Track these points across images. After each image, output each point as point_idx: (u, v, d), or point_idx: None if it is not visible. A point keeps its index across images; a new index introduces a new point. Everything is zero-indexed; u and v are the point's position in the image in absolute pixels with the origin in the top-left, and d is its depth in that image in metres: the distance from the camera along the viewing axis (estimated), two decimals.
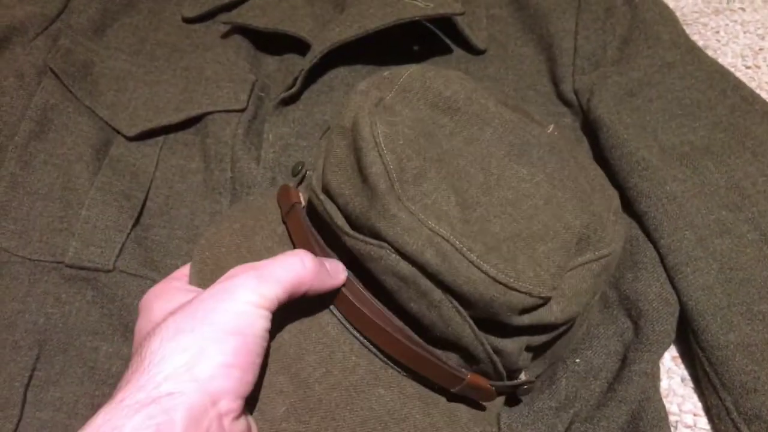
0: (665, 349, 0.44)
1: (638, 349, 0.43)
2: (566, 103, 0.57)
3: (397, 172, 0.32)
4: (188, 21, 0.60)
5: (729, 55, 0.63)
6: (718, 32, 0.66)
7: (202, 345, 0.28)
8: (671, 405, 0.44)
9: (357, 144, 0.33)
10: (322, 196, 0.35)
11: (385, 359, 0.34)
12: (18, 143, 0.49)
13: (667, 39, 0.57)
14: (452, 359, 0.34)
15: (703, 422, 0.44)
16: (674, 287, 0.45)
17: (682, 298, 0.45)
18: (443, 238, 0.30)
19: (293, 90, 0.53)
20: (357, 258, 0.33)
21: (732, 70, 0.57)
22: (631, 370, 0.42)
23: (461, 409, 0.36)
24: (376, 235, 0.32)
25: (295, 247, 0.36)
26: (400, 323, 0.34)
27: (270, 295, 0.30)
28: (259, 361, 0.30)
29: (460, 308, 0.32)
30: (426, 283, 0.31)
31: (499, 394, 0.37)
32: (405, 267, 0.31)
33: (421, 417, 0.34)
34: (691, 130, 0.52)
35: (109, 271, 0.46)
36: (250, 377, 0.29)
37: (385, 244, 0.31)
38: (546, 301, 0.32)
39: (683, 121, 0.52)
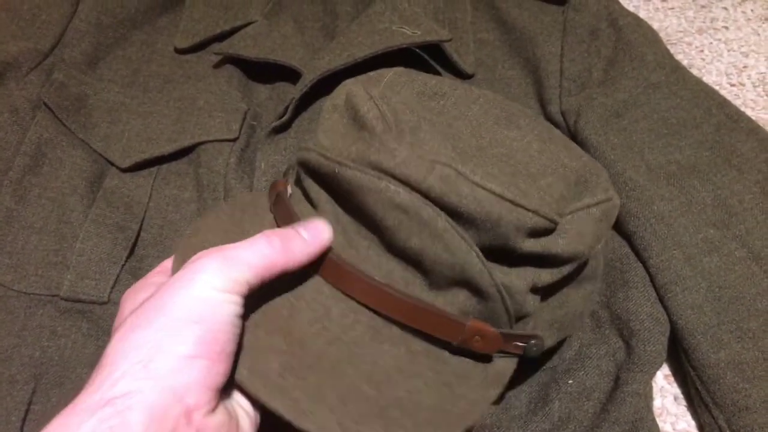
0: (657, 368, 0.44)
1: (631, 369, 0.44)
2: (554, 124, 0.57)
3: (392, 119, 0.33)
4: (180, 52, 0.60)
5: (713, 74, 0.65)
6: (702, 51, 0.67)
7: (159, 338, 0.26)
8: (665, 424, 0.44)
9: (352, 102, 0.34)
10: (314, 148, 0.35)
11: (384, 317, 0.33)
12: (13, 178, 0.50)
13: (651, 60, 0.58)
14: (459, 299, 0.33)
15: None
16: (664, 306, 0.46)
17: (672, 317, 0.45)
18: (445, 164, 0.30)
19: (284, 119, 0.54)
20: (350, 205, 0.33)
21: (717, 88, 0.58)
22: (624, 391, 0.43)
23: (472, 368, 0.35)
24: (376, 168, 0.31)
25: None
26: (395, 274, 0.33)
27: (238, 277, 0.28)
28: (230, 348, 0.28)
29: (465, 235, 0.31)
30: (428, 212, 0.31)
31: (507, 344, 0.35)
32: (406, 197, 0.31)
33: (432, 374, 0.33)
34: (677, 149, 0.53)
35: (104, 303, 0.46)
36: (221, 367, 0.27)
37: (385, 176, 0.31)
38: (552, 225, 0.32)
39: (669, 140, 0.53)
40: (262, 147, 0.54)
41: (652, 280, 0.47)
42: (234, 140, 0.53)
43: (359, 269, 0.33)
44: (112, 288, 0.47)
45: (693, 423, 0.45)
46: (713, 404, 0.42)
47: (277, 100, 0.58)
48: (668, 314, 0.46)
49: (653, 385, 0.45)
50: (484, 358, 0.35)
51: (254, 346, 0.30)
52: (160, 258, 0.49)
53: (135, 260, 0.49)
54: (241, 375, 0.29)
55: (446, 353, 0.34)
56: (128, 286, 0.47)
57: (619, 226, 0.50)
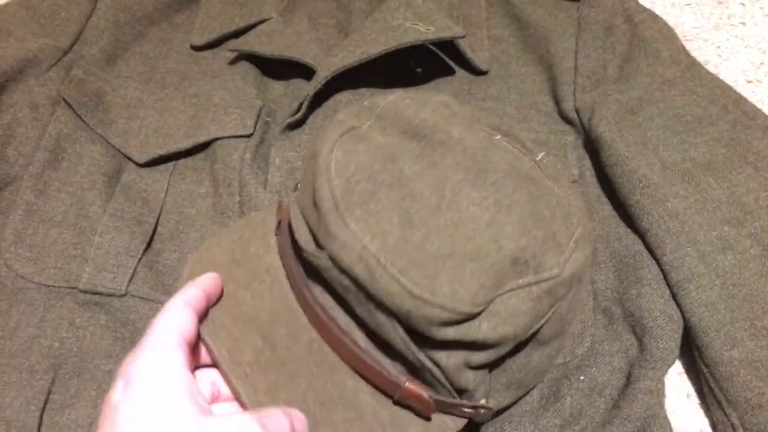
0: (670, 365, 0.44)
1: (643, 366, 0.44)
2: (568, 121, 0.57)
3: (343, 195, 0.35)
4: (196, 49, 0.61)
5: (730, 70, 0.64)
6: (718, 47, 0.66)
7: None
8: (677, 421, 0.44)
9: (312, 169, 0.37)
10: (295, 212, 0.38)
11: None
12: (33, 172, 0.51)
13: (667, 56, 0.57)
14: (397, 367, 0.36)
15: None
16: (677, 304, 0.46)
17: (685, 314, 0.45)
18: (371, 253, 0.33)
19: (299, 115, 0.54)
20: None
21: (733, 85, 0.57)
22: (636, 388, 0.43)
23: (411, 420, 0.37)
24: (321, 249, 0.35)
25: (281, 258, 0.40)
26: (354, 328, 0.36)
27: None
28: None
29: (392, 317, 0.34)
30: (360, 294, 0.34)
31: (445, 409, 0.37)
32: (344, 278, 0.34)
33: (369, 413, 0.36)
34: (692, 146, 0.52)
35: (121, 295, 0.47)
36: None
37: (328, 258, 0.34)
38: (467, 317, 0.33)
39: (684, 137, 0.53)
40: (276, 143, 0.54)
41: (665, 278, 0.47)
42: (249, 136, 0.54)
43: (329, 314, 0.37)
44: (130, 281, 0.48)
45: (705, 421, 0.45)
46: (726, 402, 0.42)
47: (292, 96, 0.58)
48: (681, 311, 0.45)
49: (666, 382, 0.45)
50: (425, 416, 0.37)
51: (237, 337, 0.36)
52: (177, 252, 0.50)
53: (152, 254, 0.50)
54: (220, 354, 0.34)
55: (390, 401, 0.37)
56: (145, 279, 0.48)
57: (632, 223, 0.50)
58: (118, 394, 0.29)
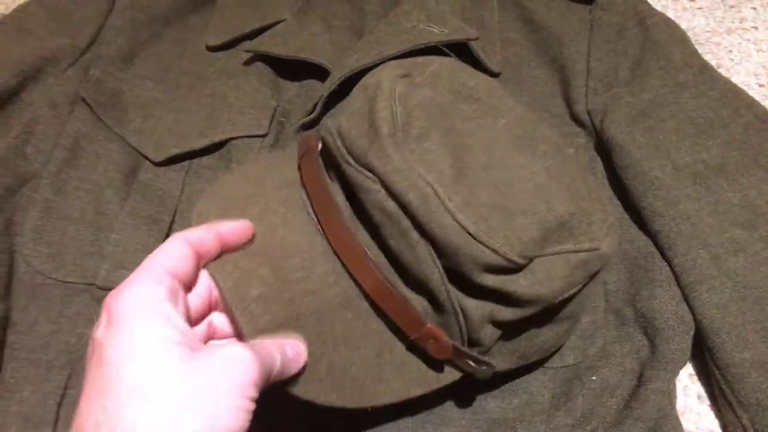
0: (681, 367, 0.44)
1: (654, 367, 0.44)
2: (580, 123, 0.58)
3: (402, 123, 0.34)
4: (211, 50, 0.62)
5: (742, 74, 0.64)
6: (731, 51, 0.66)
7: None
8: (688, 423, 0.45)
9: (373, 93, 0.36)
10: (334, 131, 0.37)
11: (360, 291, 0.36)
12: (51, 170, 0.52)
13: (679, 59, 0.58)
14: (421, 305, 0.36)
15: None
16: (689, 305, 0.46)
17: (696, 316, 0.45)
18: (428, 183, 0.32)
19: (313, 115, 0.55)
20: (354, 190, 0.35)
21: (745, 88, 0.57)
22: (648, 388, 0.43)
23: (414, 364, 0.37)
24: (371, 171, 0.34)
25: (304, 185, 0.39)
26: (382, 260, 0.36)
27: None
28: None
29: (433, 252, 0.33)
30: (406, 223, 0.33)
31: (457, 358, 0.37)
32: (390, 204, 0.33)
33: (372, 354, 0.36)
34: (704, 149, 0.53)
35: None
36: None
37: (377, 180, 0.33)
38: (513, 266, 0.33)
39: (696, 140, 0.53)
40: (290, 143, 0.55)
41: (677, 279, 0.47)
42: (264, 136, 0.55)
43: (356, 238, 0.36)
44: None
45: (716, 422, 0.45)
46: (737, 403, 0.42)
47: (306, 97, 0.59)
48: (693, 313, 0.46)
49: (677, 383, 0.45)
50: (433, 363, 0.37)
51: (245, 270, 0.34)
52: None
53: None
54: (226, 287, 0.33)
55: (398, 342, 0.37)
56: None
57: (644, 225, 0.50)
58: (101, 330, 0.29)
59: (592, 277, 0.37)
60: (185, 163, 0.54)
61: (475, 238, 0.32)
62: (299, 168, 0.40)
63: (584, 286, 0.37)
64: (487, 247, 0.32)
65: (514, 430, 0.43)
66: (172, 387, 0.26)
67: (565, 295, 0.36)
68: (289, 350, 0.32)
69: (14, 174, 0.51)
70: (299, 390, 0.34)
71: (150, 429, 0.25)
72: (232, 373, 0.28)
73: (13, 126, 0.53)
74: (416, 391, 0.37)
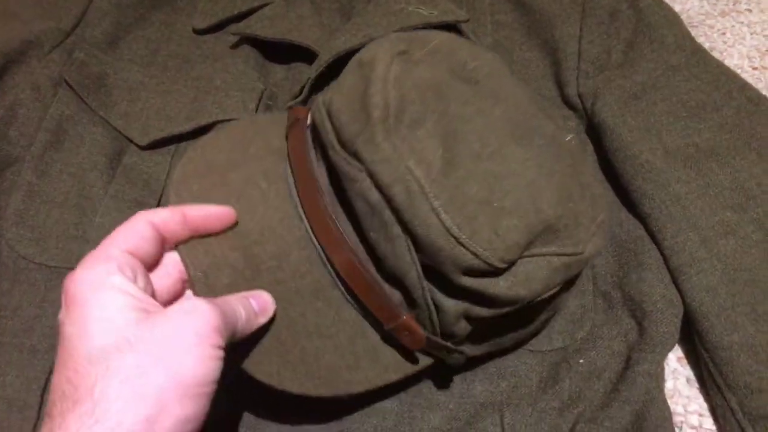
0: (669, 350, 0.44)
1: (642, 350, 0.44)
2: (571, 106, 0.57)
3: (395, 109, 0.33)
4: (198, 32, 0.61)
5: (735, 57, 0.63)
6: (724, 34, 0.66)
7: (163, 398, 0.26)
8: (676, 406, 0.44)
9: (367, 74, 0.35)
10: (323, 111, 0.36)
11: (336, 278, 0.36)
12: (35, 153, 0.51)
13: (671, 42, 0.57)
14: (395, 297, 0.35)
15: (709, 423, 0.44)
16: (678, 288, 0.46)
17: (686, 299, 0.45)
18: (415, 178, 0.31)
19: (300, 98, 0.54)
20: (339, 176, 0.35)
21: (738, 71, 0.57)
22: (635, 371, 0.43)
23: (388, 352, 0.37)
24: (358, 160, 0.33)
25: (289, 160, 0.38)
26: (360, 248, 0.35)
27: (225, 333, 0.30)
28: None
29: (412, 248, 0.33)
30: (389, 216, 0.32)
31: (430, 348, 0.37)
32: (374, 195, 0.32)
33: (345, 342, 0.36)
34: (695, 131, 0.52)
35: None
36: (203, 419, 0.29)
37: (363, 169, 0.33)
38: (493, 270, 0.32)
39: (688, 123, 0.53)
40: None
41: (666, 262, 0.47)
42: None
43: (336, 224, 0.35)
44: None
45: (705, 405, 0.45)
46: (726, 386, 0.42)
47: (293, 80, 0.58)
48: (682, 296, 0.45)
49: (666, 366, 0.45)
50: (407, 351, 0.37)
51: (216, 256, 0.34)
52: None
53: None
54: (196, 276, 0.33)
55: (372, 331, 0.36)
56: None
57: (634, 208, 0.50)
58: (62, 312, 0.29)
59: (573, 279, 0.37)
60: (171, 147, 0.54)
61: (457, 240, 0.31)
62: (286, 138, 0.39)
63: (563, 289, 0.37)
64: (469, 250, 0.31)
65: (501, 414, 0.42)
66: (130, 346, 0.27)
67: (545, 296, 0.35)
68: (253, 302, 0.33)
69: None
70: (274, 380, 0.34)
71: (112, 388, 0.26)
72: (190, 322, 0.28)
73: None
74: (391, 377, 0.37)
